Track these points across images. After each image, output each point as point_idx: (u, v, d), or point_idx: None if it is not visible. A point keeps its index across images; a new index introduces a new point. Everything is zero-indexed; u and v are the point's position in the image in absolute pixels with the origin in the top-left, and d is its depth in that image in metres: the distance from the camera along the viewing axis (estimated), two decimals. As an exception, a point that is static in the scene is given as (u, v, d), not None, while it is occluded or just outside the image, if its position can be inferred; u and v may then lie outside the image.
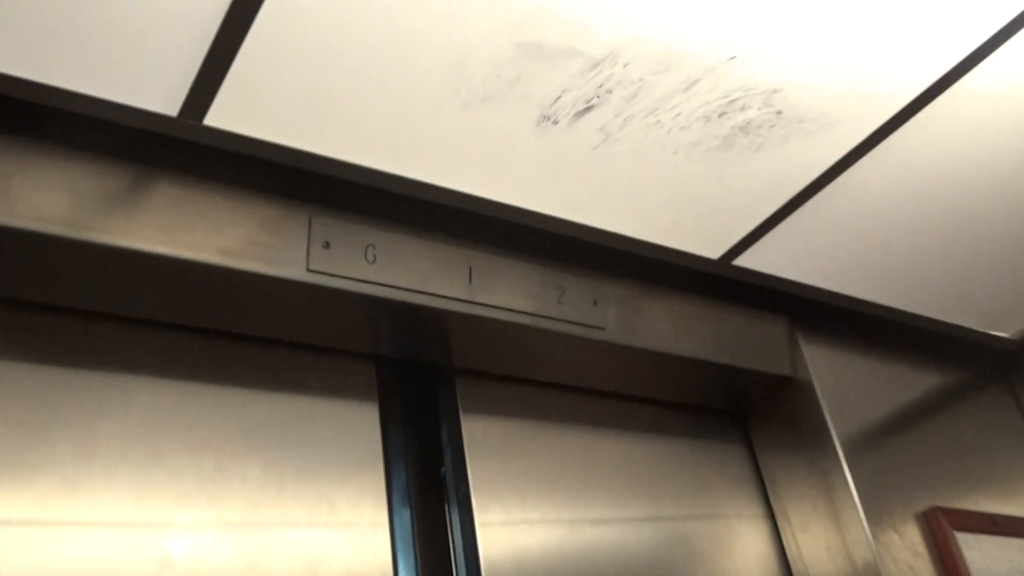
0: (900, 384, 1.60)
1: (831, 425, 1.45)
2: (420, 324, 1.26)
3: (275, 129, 1.06)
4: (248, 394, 1.19)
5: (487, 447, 1.31)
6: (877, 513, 1.39)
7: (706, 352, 1.44)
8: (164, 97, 0.98)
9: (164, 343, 1.16)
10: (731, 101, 1.13)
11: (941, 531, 1.40)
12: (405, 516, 1.22)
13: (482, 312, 1.24)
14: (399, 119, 1.07)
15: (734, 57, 1.05)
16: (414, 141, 1.10)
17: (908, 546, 1.37)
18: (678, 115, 1.15)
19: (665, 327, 1.41)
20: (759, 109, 1.15)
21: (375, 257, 1.18)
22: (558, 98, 1.09)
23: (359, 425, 1.23)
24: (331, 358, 1.27)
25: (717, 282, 1.45)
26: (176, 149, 1.06)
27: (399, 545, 1.20)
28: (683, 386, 1.53)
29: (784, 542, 1.49)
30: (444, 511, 1.26)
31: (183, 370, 1.16)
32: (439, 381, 1.36)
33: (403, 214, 1.22)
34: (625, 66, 1.06)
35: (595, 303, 1.35)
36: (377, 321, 1.25)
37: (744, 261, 1.40)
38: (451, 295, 1.22)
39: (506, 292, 1.27)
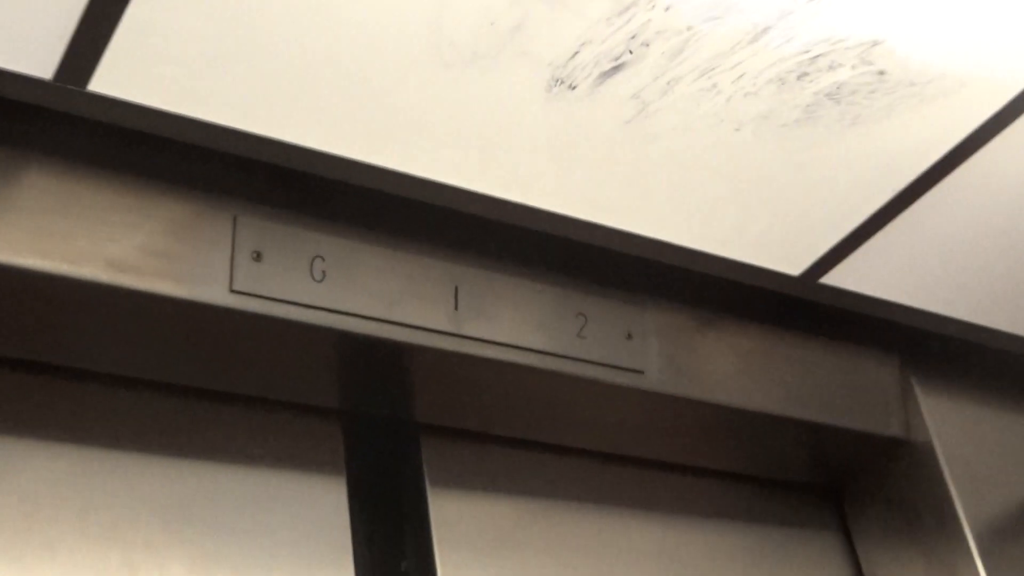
0: (1053, 450, 1.64)
1: (958, 505, 1.47)
2: (385, 366, 1.27)
3: (185, 97, 1.05)
4: (167, 464, 1.21)
5: (468, 536, 1.33)
6: (1021, 627, 1.45)
7: (785, 405, 1.45)
8: (35, 54, 0.97)
9: (48, 393, 1.18)
10: (815, 58, 1.13)
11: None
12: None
13: (471, 349, 1.24)
14: (357, 86, 1.07)
15: (819, -5, 1.07)
16: (378, 116, 1.11)
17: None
18: (741, 77, 1.14)
19: (727, 370, 1.43)
20: (854, 68, 1.15)
21: (324, 273, 1.18)
22: (575, 54, 1.08)
23: (319, 506, 1.26)
24: (280, 414, 1.29)
25: (799, 308, 1.46)
26: (51, 125, 1.06)
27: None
28: (753, 452, 1.55)
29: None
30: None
31: (75, 431, 1.18)
32: (404, 444, 1.38)
33: (364, 215, 1.22)
34: (667, 9, 1.06)
35: (629, 337, 1.35)
36: (330, 362, 1.26)
37: (835, 279, 1.41)
38: (429, 325, 1.22)
39: (505, 322, 1.27)
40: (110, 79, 1.03)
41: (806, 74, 1.15)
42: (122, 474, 1.17)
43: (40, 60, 1.00)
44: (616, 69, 1.12)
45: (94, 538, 1.12)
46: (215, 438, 1.25)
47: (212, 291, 1.13)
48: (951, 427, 1.53)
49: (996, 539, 1.49)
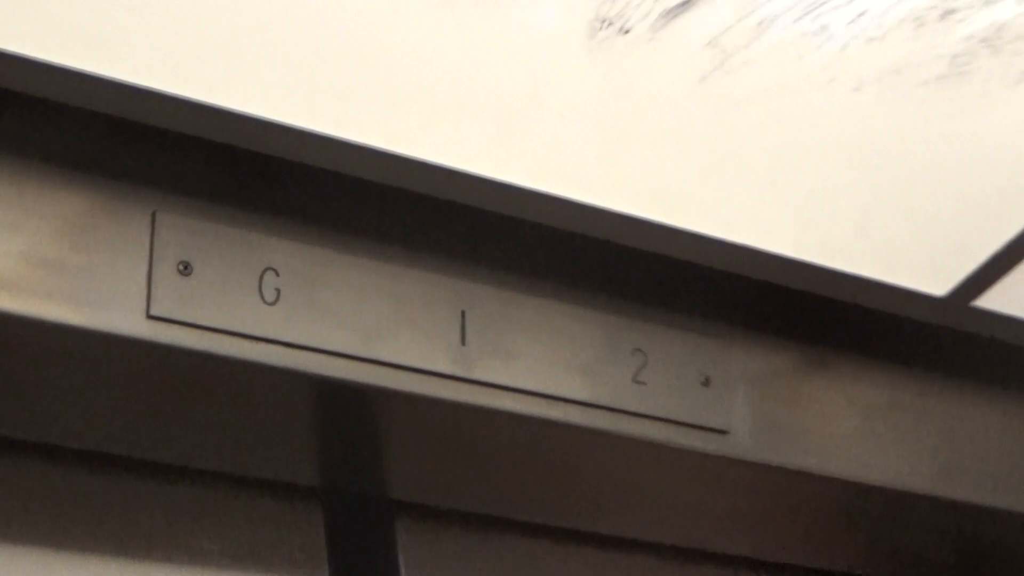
0: None
1: None
2: (361, 424, 1.29)
3: (78, 44, 1.05)
4: (75, 561, 1.26)
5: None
6: None
7: (928, 479, 1.46)
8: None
9: None
10: (966, -13, 1.15)
11: None
12: None
13: (484, 399, 1.26)
14: (322, 30, 1.08)
15: None
16: (354, 74, 1.12)
17: None
18: (861, 15, 1.15)
19: (846, 430, 1.43)
20: (1020, 3, 1.15)
21: (278, 292, 1.19)
22: (627, -17, 1.11)
23: None
24: (237, 491, 1.35)
25: (944, 341, 1.47)
26: None
27: None
28: (883, 547, 1.57)
29: None
30: None
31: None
32: (382, 529, 1.42)
33: (333, 212, 1.24)
34: (753, -81, 1.08)
35: (707, 383, 1.36)
36: (289, 417, 1.28)
37: (994, 301, 1.40)
38: (424, 366, 1.24)
39: (531, 361, 1.28)
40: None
41: (952, 11, 1.16)
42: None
43: None
44: (685, 5, 1.13)
45: None
46: (154, 530, 1.30)
47: (122, 317, 1.13)
48: None
49: None
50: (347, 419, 1.29)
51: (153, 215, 1.16)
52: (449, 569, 1.43)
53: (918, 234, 1.35)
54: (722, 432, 1.36)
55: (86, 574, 1.26)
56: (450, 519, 1.43)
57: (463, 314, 1.26)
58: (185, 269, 1.16)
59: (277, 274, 1.19)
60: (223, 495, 1.35)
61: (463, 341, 1.26)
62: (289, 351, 1.19)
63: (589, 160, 1.23)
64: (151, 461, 1.31)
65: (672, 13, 1.13)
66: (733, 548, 1.57)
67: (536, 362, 1.28)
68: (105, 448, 1.29)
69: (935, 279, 1.39)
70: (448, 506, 1.43)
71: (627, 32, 1.13)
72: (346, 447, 1.34)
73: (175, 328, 1.15)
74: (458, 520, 1.44)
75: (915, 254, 1.37)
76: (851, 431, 1.43)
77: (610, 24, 1.13)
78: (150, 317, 1.14)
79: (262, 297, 1.18)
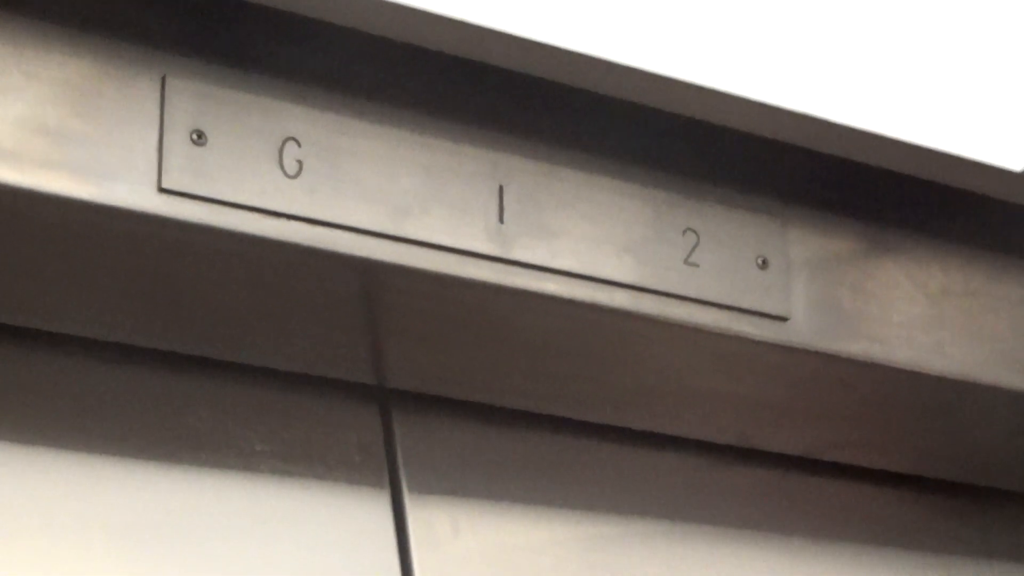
0: None
1: None
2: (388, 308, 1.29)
3: None
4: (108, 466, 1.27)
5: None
6: None
7: (1003, 370, 1.46)
8: None
9: None
10: None
11: None
12: None
13: (524, 281, 1.25)
14: None
15: None
16: None
17: None
18: None
19: (913, 317, 1.43)
20: None
21: (300, 164, 1.18)
22: None
23: (352, 520, 1.34)
24: (285, 390, 1.37)
25: (1019, 219, 1.47)
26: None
27: None
28: (955, 444, 1.59)
29: None
30: None
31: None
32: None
33: (358, 76, 1.23)
34: None
35: (764, 265, 1.35)
36: (318, 303, 1.27)
37: None
38: (459, 245, 1.23)
39: (574, 241, 1.28)
40: None
41: None
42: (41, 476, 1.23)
43: None
44: None
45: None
46: (166, 420, 1.30)
47: (131, 190, 1.12)
48: None
49: None
50: (374, 302, 1.28)
51: (163, 79, 1.14)
52: (468, 463, 1.43)
53: (994, 102, 1.34)
54: (780, 318, 1.35)
55: (126, 481, 1.26)
56: (476, 412, 1.44)
57: (501, 189, 1.25)
58: (199, 138, 1.14)
59: (299, 144, 1.18)
60: (268, 392, 1.36)
61: (501, 218, 1.24)
62: (312, 228, 1.17)
63: (635, 18, 1.21)
64: (181, 354, 1.32)
65: None
66: (788, 447, 1.56)
67: (579, 242, 1.27)
68: (118, 338, 1.29)
69: (1012, 152, 1.37)
70: (478, 399, 1.43)
71: None
72: (368, 333, 1.33)
73: (189, 202, 1.13)
74: (486, 413, 1.44)
75: (991, 124, 1.35)
76: (918, 318, 1.43)
77: None
78: (161, 190, 1.12)
79: (282, 169, 1.17)
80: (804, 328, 1.36)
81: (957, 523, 1.67)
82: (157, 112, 1.13)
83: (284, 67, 1.19)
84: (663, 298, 1.29)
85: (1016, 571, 1.67)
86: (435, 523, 1.37)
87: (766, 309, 1.34)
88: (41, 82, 1.10)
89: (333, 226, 1.18)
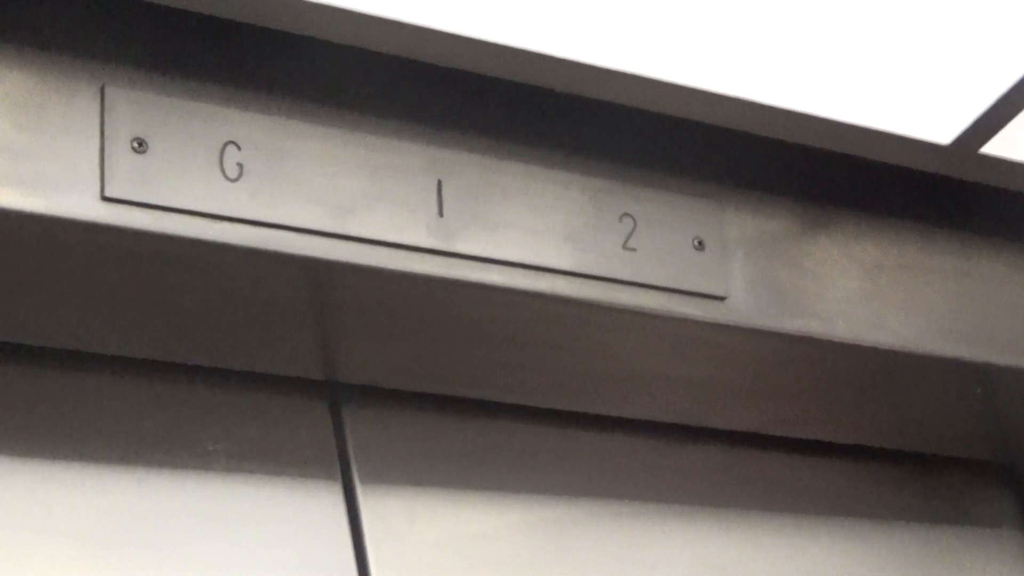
0: None
1: None
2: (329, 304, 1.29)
3: None
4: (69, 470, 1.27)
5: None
6: None
7: (937, 340, 1.46)
8: None
9: None
10: None
11: None
12: None
13: (464, 272, 1.25)
14: None
15: None
16: None
17: None
18: None
19: (849, 292, 1.43)
20: None
21: (240, 167, 1.18)
22: None
23: (306, 515, 1.34)
24: (235, 390, 1.36)
25: (950, 193, 1.46)
26: None
27: None
28: (891, 415, 1.59)
29: None
30: None
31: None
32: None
33: (296, 78, 1.22)
34: None
35: (700, 246, 1.35)
36: (263, 302, 1.27)
37: (1004, 147, 1.38)
38: (401, 240, 1.22)
39: (514, 231, 1.27)
40: None
41: None
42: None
43: None
44: None
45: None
46: (141, 429, 1.31)
47: (75, 200, 1.12)
48: None
49: None
50: (320, 300, 1.28)
51: (102, 89, 1.14)
52: (419, 454, 1.43)
53: (920, 78, 1.33)
54: (719, 298, 1.35)
55: (83, 483, 1.26)
56: (425, 404, 1.44)
57: (440, 183, 1.25)
58: (140, 146, 1.14)
59: (239, 148, 1.18)
60: (219, 392, 1.36)
61: (441, 212, 1.24)
62: (255, 229, 1.17)
63: (568, 10, 1.20)
64: (134, 359, 1.31)
65: None
66: (733, 424, 1.57)
67: (520, 232, 1.27)
68: (71, 344, 1.29)
69: (939, 126, 1.37)
70: (426, 389, 1.43)
71: None
72: (316, 330, 1.34)
73: (132, 209, 1.13)
74: (435, 404, 1.45)
75: (918, 99, 1.35)
76: (855, 292, 1.42)
77: None
78: (105, 199, 1.12)
79: (224, 173, 1.17)
80: (743, 307, 1.36)
81: (901, 490, 1.68)
82: (98, 122, 1.13)
83: (222, 72, 1.19)
84: (604, 283, 1.29)
85: (958, 533, 1.67)
86: (389, 514, 1.37)
87: (705, 290, 1.34)
88: (-27, 89, 1.08)
89: (276, 227, 1.18)
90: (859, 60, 1.30)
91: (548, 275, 1.27)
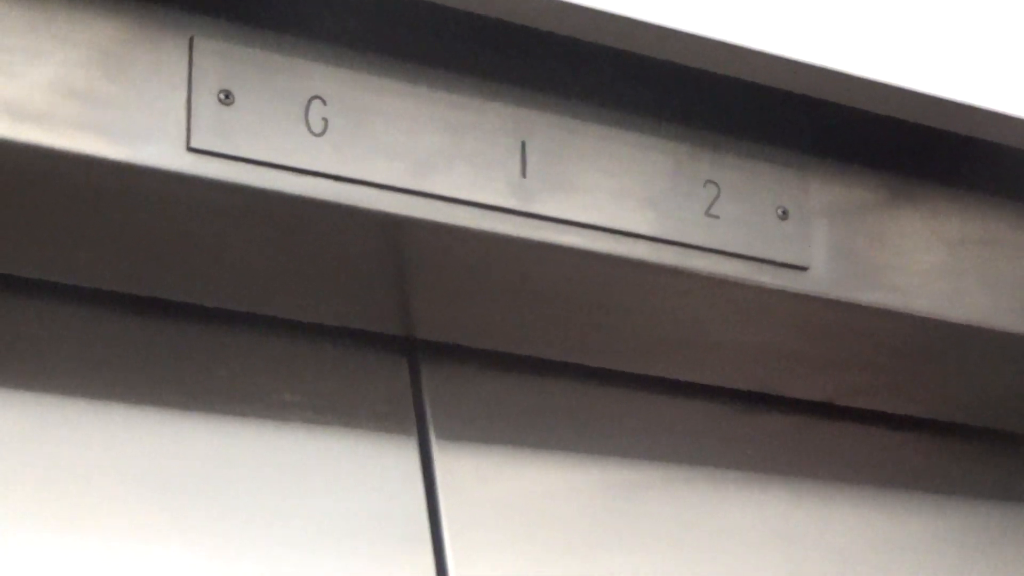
0: None
1: None
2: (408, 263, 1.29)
3: None
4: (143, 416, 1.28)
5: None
6: None
7: (1020, 318, 1.46)
8: None
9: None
10: None
11: None
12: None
13: (546, 234, 1.25)
14: None
15: None
16: None
17: None
18: None
19: (932, 266, 1.42)
20: None
21: (326, 122, 1.18)
22: None
23: (381, 469, 1.35)
24: (316, 343, 1.37)
25: None
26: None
27: None
28: (972, 391, 1.59)
29: None
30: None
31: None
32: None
33: (381, 35, 1.22)
34: None
35: (784, 215, 1.35)
36: (347, 258, 1.28)
37: None
38: (483, 199, 1.22)
39: (596, 194, 1.27)
40: None
41: None
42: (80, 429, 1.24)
43: None
44: None
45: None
46: (198, 373, 1.32)
47: (160, 150, 1.12)
48: None
49: None
50: (400, 256, 1.29)
51: (191, 41, 1.14)
52: (494, 412, 1.44)
53: (1013, 52, 1.34)
54: (800, 268, 1.34)
55: (158, 432, 1.27)
56: (501, 362, 1.44)
57: (523, 144, 1.24)
58: (226, 98, 1.14)
59: (324, 103, 1.18)
60: (298, 344, 1.37)
61: (523, 173, 1.24)
62: (338, 185, 1.17)
63: None
64: (213, 308, 1.33)
65: None
66: (807, 393, 1.57)
67: (601, 195, 1.27)
68: (151, 293, 1.30)
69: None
70: (503, 348, 1.42)
71: None
72: (395, 286, 1.34)
73: (217, 161, 1.14)
74: (511, 363, 1.45)
75: (1009, 74, 1.34)
76: (936, 266, 1.42)
77: None
78: (190, 150, 1.12)
79: (308, 127, 1.17)
80: (823, 277, 1.35)
81: (972, 466, 1.68)
82: (185, 73, 1.13)
83: (309, 27, 1.19)
84: (684, 249, 1.29)
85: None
86: (461, 470, 1.37)
87: (786, 259, 1.34)
88: (70, 45, 1.10)
89: (358, 182, 1.17)
90: (950, 33, 1.29)
91: (628, 239, 1.27)
